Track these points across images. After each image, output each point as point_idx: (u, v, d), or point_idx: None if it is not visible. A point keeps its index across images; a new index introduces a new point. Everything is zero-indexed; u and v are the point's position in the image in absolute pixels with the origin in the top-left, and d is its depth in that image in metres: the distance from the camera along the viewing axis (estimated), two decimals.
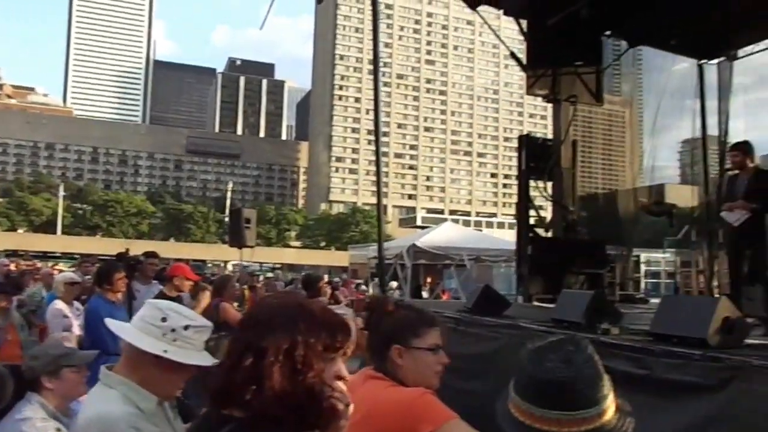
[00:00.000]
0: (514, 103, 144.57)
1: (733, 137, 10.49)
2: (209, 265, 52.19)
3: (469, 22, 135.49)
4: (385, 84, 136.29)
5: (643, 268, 14.14)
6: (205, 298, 6.17)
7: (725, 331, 4.40)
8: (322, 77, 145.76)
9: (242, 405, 1.20)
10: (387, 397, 1.87)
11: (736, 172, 6.18)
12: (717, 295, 7.74)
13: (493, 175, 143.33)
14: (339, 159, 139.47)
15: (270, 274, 31.03)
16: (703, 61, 11.72)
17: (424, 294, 17.77)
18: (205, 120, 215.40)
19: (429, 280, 19.21)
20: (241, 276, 13.84)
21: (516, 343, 5.82)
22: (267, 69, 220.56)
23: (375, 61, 9.83)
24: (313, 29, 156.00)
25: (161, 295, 5.92)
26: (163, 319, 1.90)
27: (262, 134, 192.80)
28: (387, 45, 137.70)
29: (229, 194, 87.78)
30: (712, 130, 11.32)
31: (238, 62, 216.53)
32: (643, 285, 13.79)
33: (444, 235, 17.47)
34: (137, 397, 1.85)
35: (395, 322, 2.02)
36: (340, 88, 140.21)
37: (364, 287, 19.81)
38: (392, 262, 15.91)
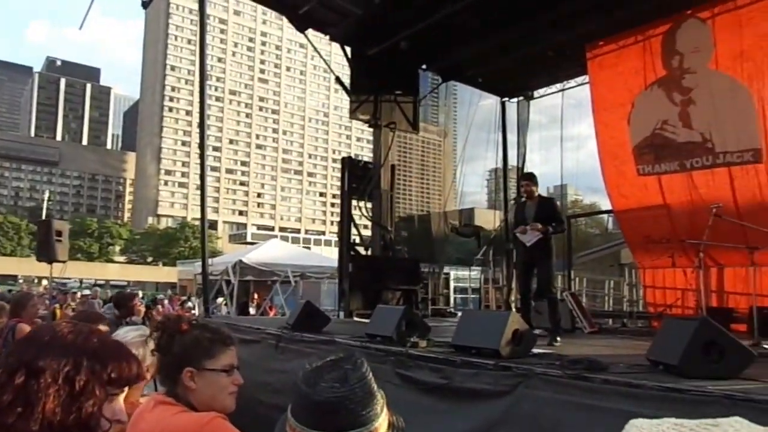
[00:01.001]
0: (344, 126, 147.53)
1: (530, 168, 11.59)
2: (21, 280, 46.81)
3: (301, 45, 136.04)
4: (218, 99, 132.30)
5: (452, 284, 15.00)
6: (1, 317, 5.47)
7: (515, 342, 4.77)
8: (151, 86, 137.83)
9: (3, 428, 1.05)
10: (176, 423, 1.76)
11: (526, 199, 6.66)
12: (513, 309, 8.40)
13: (322, 195, 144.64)
14: (168, 172, 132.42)
15: (87, 291, 28.34)
16: (504, 99, 12.82)
17: (251, 310, 17.34)
18: (18, 122, 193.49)
19: (257, 296, 18.79)
20: (46, 293, 12.51)
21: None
22: (92, 73, 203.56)
23: (202, 75, 9.49)
24: (143, 36, 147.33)
25: None
26: None
27: (84, 142, 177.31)
28: (220, 60, 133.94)
29: (45, 204, 79.43)
30: (514, 161, 12.40)
31: (59, 63, 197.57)
32: (452, 300, 14.58)
33: (270, 252, 17.24)
34: None
35: (187, 343, 1.88)
36: (171, 99, 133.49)
37: (190, 304, 18.92)
38: (218, 279, 15.34)
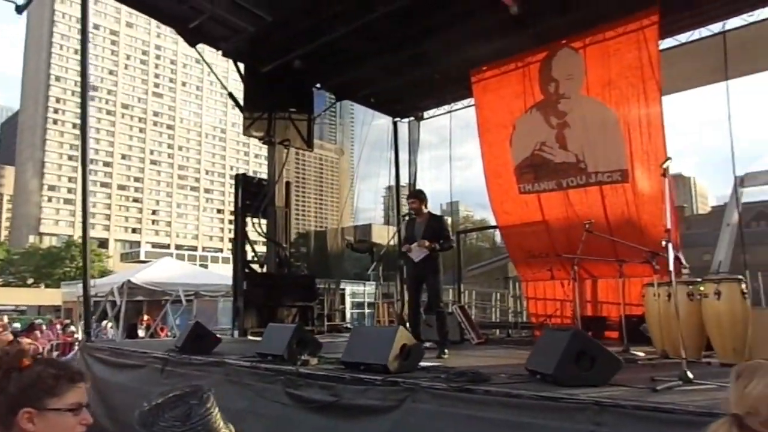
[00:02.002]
0: (241, 143, 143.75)
1: (422, 186, 11.79)
2: None
3: (197, 60, 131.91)
4: (109, 112, 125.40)
5: (349, 299, 14.94)
6: None
7: (403, 357, 4.77)
8: (33, 97, 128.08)
9: None
10: None
11: (415, 216, 6.73)
12: (407, 323, 8.45)
13: (219, 211, 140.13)
14: (52, 188, 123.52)
15: None
16: (396, 119, 13.02)
17: (140, 333, 16.40)
18: None
19: (146, 317, 17.78)
20: None
21: (222, 381, 5.62)
22: None
23: (83, 86, 8.93)
24: (24, 43, 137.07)
25: None
26: None
27: None
28: (111, 72, 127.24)
29: None
30: (406, 178, 12.58)
31: None
32: (349, 315, 14.51)
33: (163, 271, 16.42)
34: None
35: (26, 382, 1.66)
36: (56, 111, 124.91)
37: (73, 328, 17.57)
38: (103, 300, 14.40)
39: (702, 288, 5.54)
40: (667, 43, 9.91)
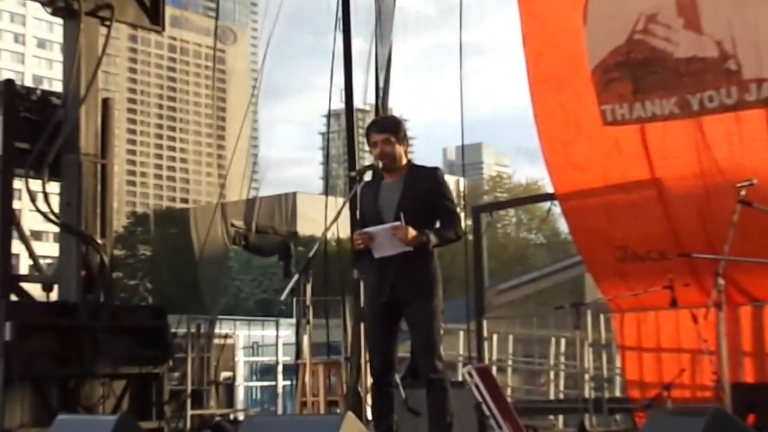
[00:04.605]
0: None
1: (398, 111, 6.15)
2: None
3: None
4: None
5: (242, 357, 8.62)
6: None
7: None
8: None
9: None
10: None
11: (382, 172, 3.83)
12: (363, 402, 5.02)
13: None
14: None
15: None
16: None
17: None
18: None
19: None
20: None
21: None
22: None
23: None
24: None
25: None
26: None
27: None
28: None
29: None
30: (364, 96, 6.84)
31: None
32: (241, 392, 8.67)
33: None
34: None
35: None
36: None
37: None
38: None
39: None
40: None
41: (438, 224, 3.57)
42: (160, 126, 75.69)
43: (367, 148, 4.38)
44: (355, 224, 4.88)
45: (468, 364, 5.55)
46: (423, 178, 3.67)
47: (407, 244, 3.36)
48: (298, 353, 5.60)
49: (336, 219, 4.45)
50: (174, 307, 6.12)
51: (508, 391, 6.11)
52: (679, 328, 5.27)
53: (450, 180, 5.45)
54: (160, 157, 76.49)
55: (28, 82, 41.05)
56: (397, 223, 3.34)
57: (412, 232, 3.36)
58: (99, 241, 5.20)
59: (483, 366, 5.25)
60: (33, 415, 4.93)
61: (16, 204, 5.21)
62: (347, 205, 4.41)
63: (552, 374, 7.13)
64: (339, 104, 5.97)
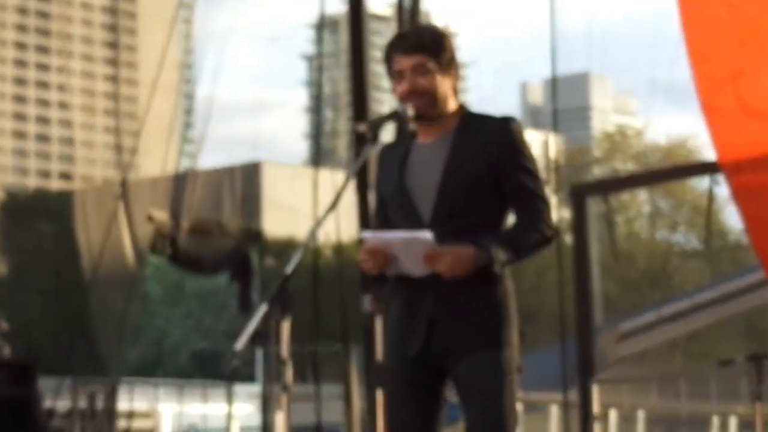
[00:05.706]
0: None
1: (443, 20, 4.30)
2: None
3: None
4: None
5: None
6: None
7: None
8: None
9: None
10: None
11: (414, 127, 2.60)
12: None
13: None
14: None
15: None
16: None
17: None
18: None
19: None
20: None
21: None
22: None
23: None
24: None
25: None
26: None
27: None
28: None
29: None
30: None
31: None
32: None
33: None
34: None
35: None
36: None
37: None
38: None
39: None
40: None
41: (518, 223, 2.23)
42: (20, 57, 42.97)
43: (386, 82, 2.77)
44: (366, 217, 3.19)
45: None
46: (485, 135, 2.37)
47: (449, 276, 2.07)
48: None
49: (333, 208, 2.65)
50: (49, 365, 4.36)
51: None
52: None
53: (534, 139, 3.42)
54: (20, 102, 42.80)
55: None
56: (425, 237, 2.00)
57: (456, 256, 2.03)
58: None
59: None
60: None
61: None
62: (352, 184, 2.85)
63: None
64: (338, 5, 3.84)
